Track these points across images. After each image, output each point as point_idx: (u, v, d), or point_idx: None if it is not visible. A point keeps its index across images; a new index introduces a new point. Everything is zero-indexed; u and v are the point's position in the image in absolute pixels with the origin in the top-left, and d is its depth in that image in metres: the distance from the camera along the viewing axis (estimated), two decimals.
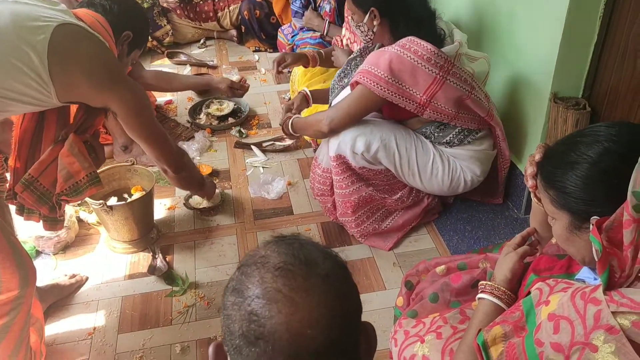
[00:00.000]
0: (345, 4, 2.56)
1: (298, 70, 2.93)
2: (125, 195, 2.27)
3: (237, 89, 3.14)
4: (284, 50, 3.60)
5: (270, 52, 4.06)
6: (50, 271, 2.15)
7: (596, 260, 0.91)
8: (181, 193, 2.55)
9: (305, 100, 2.37)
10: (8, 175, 1.64)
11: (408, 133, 2.10)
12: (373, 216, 2.21)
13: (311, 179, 2.32)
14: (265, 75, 3.75)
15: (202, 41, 4.24)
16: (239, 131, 3.04)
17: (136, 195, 2.23)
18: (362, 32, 2.07)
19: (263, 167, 2.77)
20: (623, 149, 0.95)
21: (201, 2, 4.07)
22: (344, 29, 2.86)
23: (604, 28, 1.86)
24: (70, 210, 2.29)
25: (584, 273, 1.10)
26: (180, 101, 3.42)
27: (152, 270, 2.12)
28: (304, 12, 3.29)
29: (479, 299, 1.24)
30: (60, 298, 2.01)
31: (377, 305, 1.95)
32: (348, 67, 2.30)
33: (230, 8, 4.12)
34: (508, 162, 2.23)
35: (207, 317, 1.94)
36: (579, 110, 1.91)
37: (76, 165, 1.59)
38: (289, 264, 0.71)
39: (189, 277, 2.10)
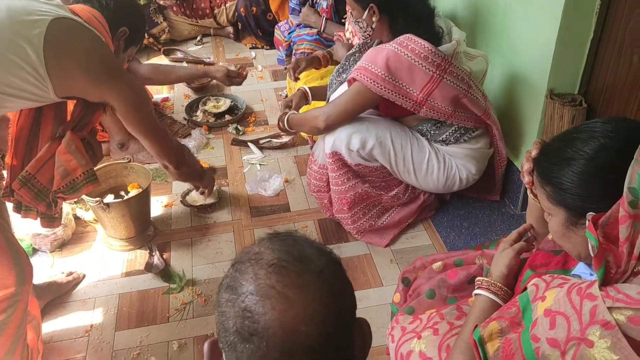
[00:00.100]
0: None
1: None
2: (122, 193, 2.26)
3: (234, 77, 3.06)
4: (280, 48, 3.59)
5: (267, 49, 4.05)
6: (47, 269, 2.15)
7: (592, 256, 0.91)
8: (178, 190, 2.55)
9: (304, 98, 2.37)
10: (5, 173, 1.64)
11: (404, 130, 2.11)
12: (369, 213, 2.22)
13: (308, 175, 2.32)
14: (262, 72, 3.75)
15: (198, 38, 4.23)
16: (236, 128, 3.04)
17: (133, 192, 2.23)
18: (361, 27, 2.07)
19: (260, 164, 2.77)
20: (619, 145, 0.95)
21: None
22: (347, 23, 2.86)
23: (600, 24, 1.86)
24: (66, 208, 2.29)
25: (580, 269, 1.11)
26: (177, 98, 3.41)
27: (149, 267, 2.12)
28: (301, 8, 3.28)
29: (476, 295, 1.25)
30: (57, 295, 2.00)
31: (374, 302, 1.96)
32: (347, 63, 2.30)
33: (226, 5, 4.11)
34: (505, 161, 2.23)
35: (204, 314, 1.94)
36: (575, 107, 1.92)
37: (73, 162, 1.59)
38: (283, 260, 0.71)
39: (186, 275, 2.10)
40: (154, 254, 2.16)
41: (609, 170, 0.95)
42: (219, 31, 4.28)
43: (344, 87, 2.13)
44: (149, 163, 2.62)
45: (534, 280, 1.04)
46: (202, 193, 2.40)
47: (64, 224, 2.21)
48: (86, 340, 1.87)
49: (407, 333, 1.37)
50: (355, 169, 2.10)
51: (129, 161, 2.28)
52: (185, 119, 3.15)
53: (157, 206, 2.47)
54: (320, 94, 2.41)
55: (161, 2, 4.01)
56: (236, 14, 4.10)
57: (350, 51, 2.33)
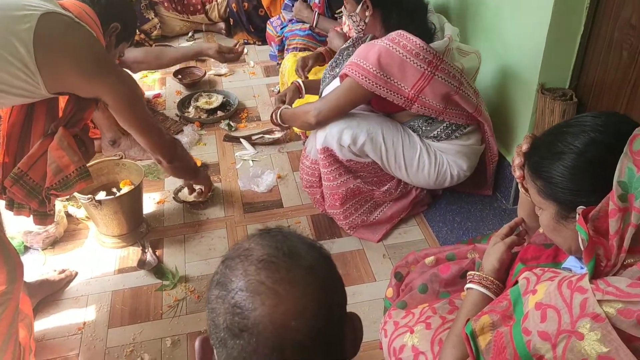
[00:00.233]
0: None
1: (288, 62, 2.92)
2: (114, 190, 2.26)
3: (227, 53, 2.85)
4: (272, 43, 3.58)
5: (259, 45, 4.04)
6: (39, 266, 2.14)
7: (582, 249, 0.92)
8: (170, 187, 2.54)
9: (297, 91, 2.36)
10: None
11: (395, 126, 2.11)
12: (361, 208, 2.22)
13: (300, 171, 2.32)
14: (254, 68, 3.74)
15: (190, 34, 4.21)
16: (228, 124, 3.03)
17: (125, 189, 2.22)
18: (354, 22, 2.06)
19: (252, 160, 2.76)
20: (609, 139, 0.96)
21: None
22: (344, 17, 2.85)
23: (590, 19, 1.87)
24: (58, 206, 2.28)
25: (571, 262, 1.11)
26: (169, 95, 3.40)
27: (141, 264, 2.11)
28: (293, 4, 3.27)
29: (468, 289, 1.25)
30: (49, 293, 2.00)
31: (367, 297, 1.96)
32: (340, 57, 2.29)
33: (218, 0, 4.09)
34: (496, 157, 2.24)
35: (197, 311, 1.94)
36: (566, 101, 1.93)
37: (65, 159, 1.58)
38: (273, 256, 0.71)
39: (179, 271, 2.09)
40: (146, 250, 2.15)
41: (599, 165, 0.95)
42: (210, 27, 4.26)
43: (336, 82, 2.13)
44: (140, 160, 2.61)
45: (525, 273, 1.05)
46: (200, 193, 2.40)
47: (56, 221, 2.20)
48: (79, 337, 1.86)
49: (399, 327, 1.38)
50: (346, 164, 2.10)
51: (121, 158, 2.27)
52: (177, 116, 3.14)
53: (150, 203, 2.46)
54: (314, 87, 2.40)
55: None
56: (228, 9, 4.08)
57: (344, 45, 2.33)
